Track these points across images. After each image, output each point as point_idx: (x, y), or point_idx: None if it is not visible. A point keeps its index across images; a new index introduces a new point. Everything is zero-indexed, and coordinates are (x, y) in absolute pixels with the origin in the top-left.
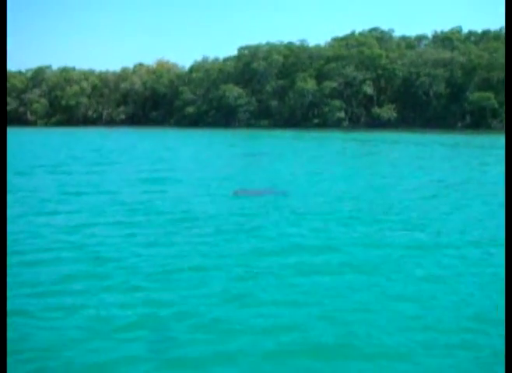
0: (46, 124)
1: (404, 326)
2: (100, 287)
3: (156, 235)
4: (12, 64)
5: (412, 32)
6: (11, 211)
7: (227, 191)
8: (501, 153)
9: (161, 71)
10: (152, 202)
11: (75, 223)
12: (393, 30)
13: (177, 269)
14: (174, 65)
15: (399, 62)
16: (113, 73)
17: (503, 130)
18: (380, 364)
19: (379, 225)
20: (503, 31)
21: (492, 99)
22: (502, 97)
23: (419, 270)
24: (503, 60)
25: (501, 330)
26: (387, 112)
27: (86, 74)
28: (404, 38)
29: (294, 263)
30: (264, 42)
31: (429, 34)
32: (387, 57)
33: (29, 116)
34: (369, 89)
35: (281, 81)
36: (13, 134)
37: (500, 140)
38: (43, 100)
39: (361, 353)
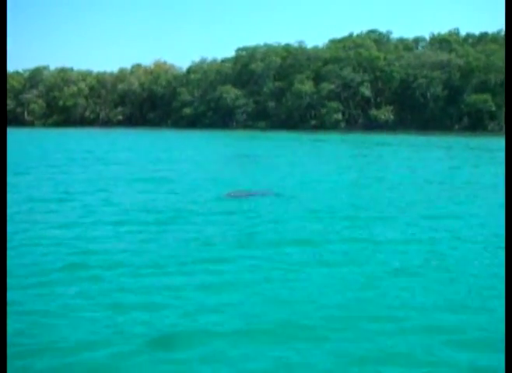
0: (43, 125)
1: (377, 316)
2: (87, 276)
3: (147, 232)
4: (10, 65)
5: (409, 34)
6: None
7: (221, 192)
8: (497, 155)
9: (159, 72)
10: (144, 202)
11: (67, 221)
12: (391, 32)
13: (166, 264)
14: (172, 66)
15: (397, 64)
16: (111, 74)
17: (500, 133)
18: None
19: (363, 222)
20: (501, 33)
21: (490, 102)
22: (499, 99)
23: (397, 263)
24: (500, 62)
25: (470, 318)
26: (385, 114)
27: (84, 75)
28: (401, 40)
29: (279, 259)
30: (261, 43)
31: (427, 36)
32: (384, 59)
33: (27, 117)
34: (366, 91)
35: (278, 83)
36: (10, 134)
37: (497, 142)
38: (41, 101)
39: (335, 334)
